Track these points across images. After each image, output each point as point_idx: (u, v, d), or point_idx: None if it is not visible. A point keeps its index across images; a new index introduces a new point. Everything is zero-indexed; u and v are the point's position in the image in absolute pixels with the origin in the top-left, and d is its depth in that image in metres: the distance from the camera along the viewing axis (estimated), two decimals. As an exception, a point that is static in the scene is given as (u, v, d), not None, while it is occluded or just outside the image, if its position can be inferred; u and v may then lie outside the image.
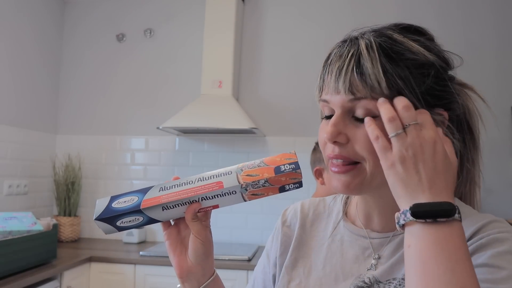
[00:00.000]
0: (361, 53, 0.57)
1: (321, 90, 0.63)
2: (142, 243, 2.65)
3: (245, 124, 2.39)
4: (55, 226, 2.07)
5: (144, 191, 0.62)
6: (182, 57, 2.82)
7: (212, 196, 0.60)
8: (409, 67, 0.56)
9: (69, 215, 2.68)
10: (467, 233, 0.57)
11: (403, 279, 0.60)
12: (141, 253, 2.28)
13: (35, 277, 1.81)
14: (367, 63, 0.56)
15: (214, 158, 2.74)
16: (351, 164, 0.60)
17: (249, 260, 2.17)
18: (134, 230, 2.62)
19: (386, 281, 0.63)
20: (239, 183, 0.59)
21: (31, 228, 1.88)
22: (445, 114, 0.61)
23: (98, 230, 2.82)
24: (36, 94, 2.73)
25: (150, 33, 2.88)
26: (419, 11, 2.65)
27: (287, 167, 0.60)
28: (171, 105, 2.73)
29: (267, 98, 2.74)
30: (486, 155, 2.45)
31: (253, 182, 0.59)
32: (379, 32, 0.60)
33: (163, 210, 0.61)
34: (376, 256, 0.66)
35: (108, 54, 2.92)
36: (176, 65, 2.83)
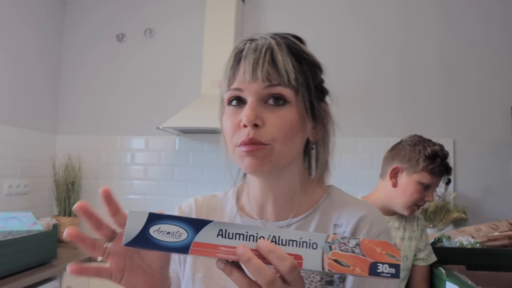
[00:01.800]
0: (273, 48, 0.66)
1: (230, 81, 0.68)
2: (142, 243, 2.65)
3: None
4: (55, 226, 2.07)
5: (197, 224, 0.47)
6: (182, 57, 2.82)
7: None
8: (307, 65, 0.70)
9: (69, 215, 2.68)
10: (354, 220, 0.70)
11: None
12: (141, 253, 2.27)
13: (35, 277, 1.81)
14: (279, 57, 0.66)
15: (214, 158, 2.74)
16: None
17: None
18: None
19: None
20: (323, 268, 0.46)
21: (31, 228, 1.88)
22: (328, 107, 0.76)
23: (98, 230, 2.81)
24: (36, 94, 2.73)
25: (150, 33, 2.88)
26: (419, 11, 2.65)
27: (385, 270, 0.46)
28: (171, 105, 2.73)
29: (267, 98, 2.74)
30: (486, 155, 2.47)
31: (339, 273, 0.47)
32: (279, 35, 0.70)
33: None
34: None
35: (108, 54, 2.92)
36: (176, 65, 2.83)
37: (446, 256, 1.68)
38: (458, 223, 2.34)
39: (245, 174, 0.79)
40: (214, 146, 2.76)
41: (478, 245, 1.79)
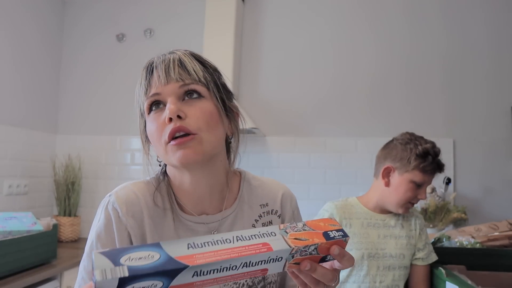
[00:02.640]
0: (179, 56, 0.75)
1: (147, 90, 0.75)
2: (142, 243, 2.65)
3: (245, 124, 2.39)
4: (55, 226, 2.07)
5: (172, 274, 0.46)
6: (182, 57, 2.82)
7: (257, 262, 0.50)
8: (210, 68, 0.79)
9: (69, 215, 2.68)
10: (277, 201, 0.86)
11: None
12: (141, 253, 2.27)
13: (35, 277, 1.81)
14: (187, 61, 0.75)
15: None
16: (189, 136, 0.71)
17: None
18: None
19: None
20: (290, 246, 0.52)
21: (31, 228, 1.88)
22: (237, 105, 0.84)
23: (98, 230, 2.81)
24: (36, 94, 2.73)
25: (150, 33, 2.88)
26: (419, 11, 2.65)
27: (335, 233, 0.55)
28: (171, 105, 2.72)
29: (267, 98, 2.74)
30: (486, 155, 2.47)
31: (304, 247, 0.53)
32: (182, 50, 0.78)
33: None
34: (215, 232, 0.79)
35: (108, 54, 2.92)
36: (176, 65, 2.83)
37: (446, 256, 1.68)
38: (458, 223, 2.34)
39: (164, 174, 0.83)
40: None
41: (478, 245, 1.79)
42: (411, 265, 1.56)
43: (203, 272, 0.47)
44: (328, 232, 0.55)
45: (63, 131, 2.92)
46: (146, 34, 2.88)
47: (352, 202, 1.59)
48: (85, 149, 2.86)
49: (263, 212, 0.84)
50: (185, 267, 0.46)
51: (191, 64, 0.75)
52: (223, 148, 0.81)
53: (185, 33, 2.84)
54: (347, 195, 1.67)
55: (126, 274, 0.43)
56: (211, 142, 0.73)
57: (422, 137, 1.52)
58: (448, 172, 2.49)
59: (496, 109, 2.53)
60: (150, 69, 0.76)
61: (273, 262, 0.51)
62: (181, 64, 0.74)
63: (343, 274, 1.50)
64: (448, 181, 2.39)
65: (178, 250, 0.47)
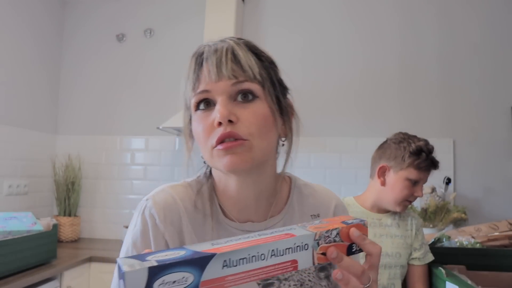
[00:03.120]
0: (233, 47, 0.67)
1: (195, 85, 0.68)
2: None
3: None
4: (55, 226, 2.07)
5: (201, 263, 0.45)
6: (182, 57, 2.81)
7: (284, 250, 0.51)
8: (267, 61, 0.70)
9: (69, 215, 2.68)
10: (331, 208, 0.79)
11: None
12: (141, 253, 2.27)
13: (35, 277, 1.81)
14: (241, 54, 0.66)
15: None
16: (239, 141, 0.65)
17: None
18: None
19: None
20: (313, 264, 0.53)
21: (31, 228, 1.88)
22: (292, 103, 0.77)
23: (98, 230, 2.82)
24: (36, 94, 2.73)
25: (150, 33, 2.88)
26: (419, 11, 2.65)
27: (353, 220, 0.56)
28: (171, 105, 2.72)
29: (267, 98, 2.74)
30: (486, 155, 2.47)
31: (326, 232, 0.53)
32: (235, 38, 0.71)
33: None
34: None
35: (108, 54, 2.92)
36: (176, 65, 2.83)
37: (446, 256, 1.68)
38: (458, 223, 2.34)
39: (210, 175, 0.78)
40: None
41: (478, 245, 1.79)
42: (408, 265, 1.57)
43: (233, 262, 0.47)
44: (352, 245, 0.55)
45: (63, 131, 2.92)
46: (146, 34, 2.88)
47: (348, 201, 1.61)
48: (85, 149, 2.86)
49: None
50: (212, 255, 0.46)
51: (246, 58, 0.67)
52: (274, 152, 0.74)
53: (185, 33, 2.84)
54: (347, 195, 1.67)
55: (155, 264, 0.43)
56: (262, 149, 0.66)
57: (415, 136, 1.55)
58: (448, 172, 2.49)
59: (496, 109, 2.53)
60: (199, 61, 0.69)
61: (300, 250, 0.51)
62: (235, 57, 0.66)
63: None
64: (448, 181, 2.39)
65: (202, 247, 0.48)
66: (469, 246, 1.77)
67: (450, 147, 2.53)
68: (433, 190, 2.36)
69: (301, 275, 0.73)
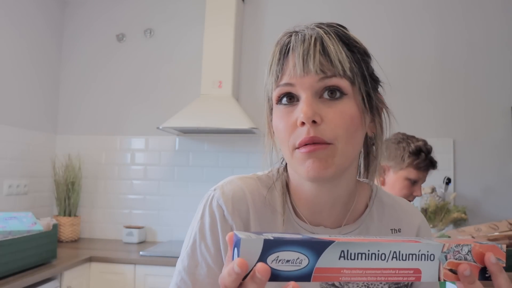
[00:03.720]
0: (322, 37, 0.60)
1: (278, 77, 0.62)
2: (142, 243, 2.65)
3: (245, 124, 2.39)
4: (55, 226, 2.07)
5: (318, 248, 0.43)
6: (182, 57, 2.82)
7: (407, 255, 0.46)
8: (359, 53, 0.63)
9: (69, 215, 2.68)
10: (415, 225, 0.72)
11: None
12: (141, 253, 2.27)
13: (35, 277, 1.81)
14: (331, 46, 0.60)
15: (214, 158, 2.74)
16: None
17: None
18: (134, 230, 2.62)
19: None
20: (439, 279, 0.47)
21: (31, 228, 1.88)
22: (383, 97, 0.69)
23: (98, 230, 2.82)
24: (36, 94, 2.73)
25: (150, 33, 2.88)
26: (419, 11, 2.65)
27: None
28: (171, 105, 2.73)
29: (267, 98, 2.74)
30: (486, 155, 2.46)
31: (456, 246, 0.48)
32: (326, 24, 0.63)
33: None
34: None
35: (108, 54, 2.92)
36: (176, 65, 2.83)
37: (446, 256, 1.68)
38: (458, 223, 2.34)
39: (284, 170, 0.72)
40: (214, 146, 2.76)
41: (478, 245, 1.78)
42: None
43: (351, 255, 0.44)
44: (486, 269, 0.48)
45: (63, 131, 2.92)
46: (146, 34, 2.88)
47: None
48: (85, 149, 2.86)
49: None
50: (331, 242, 0.43)
51: (336, 51, 0.60)
52: (358, 156, 0.67)
53: (185, 33, 2.84)
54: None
55: (271, 238, 0.42)
56: (347, 154, 0.61)
57: (413, 136, 1.56)
58: (448, 172, 2.49)
59: (496, 109, 2.53)
60: (284, 50, 0.62)
61: (424, 259, 0.46)
62: (323, 49, 0.59)
63: None
64: (448, 181, 2.39)
65: (327, 259, 0.44)
66: (469, 246, 1.77)
67: (450, 147, 2.53)
68: (433, 190, 2.36)
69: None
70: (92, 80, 2.93)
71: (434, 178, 2.41)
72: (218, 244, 0.65)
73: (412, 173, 1.49)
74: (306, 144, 0.58)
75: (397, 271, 0.45)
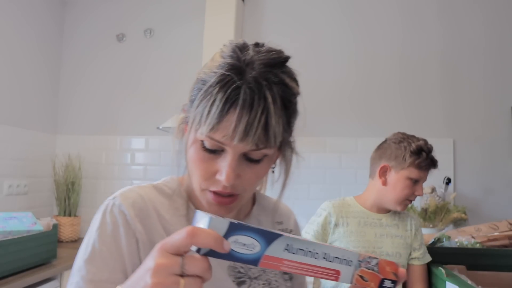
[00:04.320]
0: (268, 110, 0.59)
1: (213, 128, 0.60)
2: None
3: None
4: (55, 226, 2.07)
5: (269, 237, 0.49)
6: (182, 57, 2.82)
7: (333, 258, 0.55)
8: (293, 111, 0.66)
9: (69, 215, 2.68)
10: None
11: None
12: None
13: (35, 277, 1.81)
14: (273, 121, 0.59)
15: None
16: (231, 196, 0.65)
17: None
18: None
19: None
20: (351, 282, 0.56)
21: (31, 228, 1.88)
22: (293, 140, 0.72)
23: (98, 230, 2.81)
24: (36, 94, 2.73)
25: (150, 33, 2.88)
26: (419, 11, 2.65)
27: (388, 285, 0.58)
28: (171, 105, 2.72)
29: (267, 98, 2.74)
30: (486, 155, 2.47)
31: (369, 258, 0.57)
32: (272, 80, 0.61)
33: None
34: None
35: (108, 54, 2.92)
36: (176, 65, 2.83)
37: (446, 256, 1.68)
38: (458, 223, 2.34)
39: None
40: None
41: (478, 245, 1.79)
42: (408, 264, 1.59)
43: (293, 249, 0.51)
44: (385, 281, 0.57)
45: (63, 131, 2.92)
46: (146, 34, 2.88)
47: (349, 201, 1.62)
48: (85, 149, 2.86)
49: (280, 229, 0.83)
50: (280, 235, 0.50)
51: (275, 125, 0.60)
52: None
53: (185, 33, 2.84)
54: (347, 195, 1.67)
55: (236, 222, 0.47)
56: (248, 197, 0.69)
57: (414, 136, 1.57)
58: (448, 172, 2.49)
59: (496, 109, 2.53)
60: (228, 103, 0.59)
61: (345, 264, 0.54)
62: (266, 125, 0.59)
63: None
64: (448, 181, 2.39)
65: (275, 249, 0.51)
66: (469, 246, 1.77)
67: (450, 147, 2.53)
68: (433, 190, 2.36)
69: (268, 275, 0.76)
70: (92, 80, 2.93)
71: (434, 178, 2.40)
72: (121, 251, 0.66)
73: (413, 173, 1.50)
74: (219, 195, 0.63)
75: (323, 269, 0.53)
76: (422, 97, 2.60)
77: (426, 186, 2.34)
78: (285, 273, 0.79)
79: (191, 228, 0.45)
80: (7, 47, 2.46)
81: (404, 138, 1.54)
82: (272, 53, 0.65)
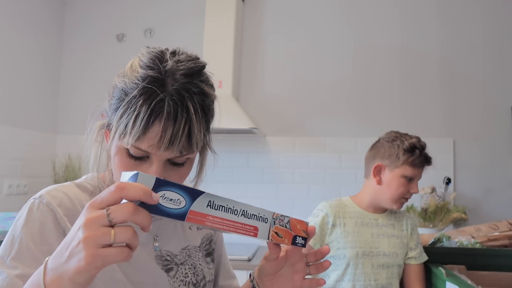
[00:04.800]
0: (191, 120, 0.64)
1: (139, 138, 0.63)
2: (142, 243, 2.65)
3: (245, 124, 2.39)
4: (55, 226, 2.06)
5: (193, 194, 0.53)
6: (182, 57, 2.82)
7: (251, 215, 0.61)
8: (211, 116, 0.73)
9: (69, 215, 2.68)
10: None
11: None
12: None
13: (35, 277, 1.81)
14: (195, 130, 0.65)
15: (214, 158, 2.74)
16: None
17: (249, 260, 2.17)
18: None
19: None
20: (268, 238, 0.62)
21: (31, 228, 1.88)
22: (210, 143, 0.79)
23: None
24: (36, 94, 2.73)
25: (150, 33, 2.88)
26: (419, 11, 2.65)
27: (300, 242, 0.67)
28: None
29: (267, 98, 2.74)
30: (486, 155, 2.47)
31: (281, 215, 0.64)
32: (192, 90, 0.65)
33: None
34: (157, 237, 0.78)
35: (108, 54, 2.92)
36: (176, 65, 2.83)
37: (446, 256, 1.68)
38: (458, 223, 2.34)
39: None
40: (214, 146, 2.76)
41: (478, 245, 1.79)
42: (405, 264, 1.59)
43: (215, 206, 0.55)
44: (297, 237, 0.66)
45: (63, 131, 2.92)
46: (146, 34, 2.88)
47: (345, 201, 1.62)
48: (85, 149, 2.86)
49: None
50: (202, 192, 0.54)
51: (197, 133, 0.65)
52: None
53: (185, 33, 2.84)
54: (347, 195, 1.67)
55: (162, 178, 0.51)
56: None
57: (406, 134, 1.58)
58: (448, 172, 2.49)
59: (496, 109, 2.53)
60: (153, 114, 0.62)
61: (262, 221, 0.61)
62: (189, 134, 0.64)
63: (338, 272, 1.52)
64: (448, 181, 2.39)
65: (199, 205, 0.55)
66: (469, 246, 1.77)
67: (450, 147, 2.53)
68: (433, 190, 2.36)
69: (193, 259, 0.82)
70: (92, 80, 2.93)
71: (434, 178, 2.42)
72: (49, 246, 0.65)
73: (407, 170, 1.50)
74: None
75: (243, 226, 0.58)
76: (422, 97, 2.60)
77: (426, 186, 2.34)
78: (207, 256, 0.86)
79: (120, 182, 0.47)
80: (7, 47, 2.46)
81: (397, 137, 1.55)
82: (190, 62, 0.69)
